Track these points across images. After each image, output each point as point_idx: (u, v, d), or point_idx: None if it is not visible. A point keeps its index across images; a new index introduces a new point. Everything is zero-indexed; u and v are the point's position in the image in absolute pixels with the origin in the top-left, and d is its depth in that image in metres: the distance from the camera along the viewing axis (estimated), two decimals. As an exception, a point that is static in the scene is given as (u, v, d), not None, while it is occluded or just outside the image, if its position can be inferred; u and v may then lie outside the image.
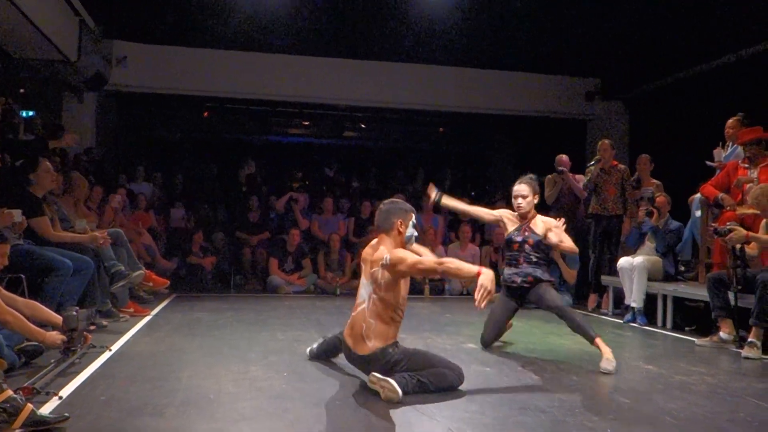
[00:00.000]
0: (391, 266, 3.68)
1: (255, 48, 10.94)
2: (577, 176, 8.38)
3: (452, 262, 3.75)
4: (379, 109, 12.55)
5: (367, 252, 3.97)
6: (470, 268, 3.68)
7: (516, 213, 5.15)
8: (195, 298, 8.21)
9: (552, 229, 5.02)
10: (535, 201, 5.11)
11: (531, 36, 10.50)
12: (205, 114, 12.68)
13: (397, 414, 3.33)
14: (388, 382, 3.51)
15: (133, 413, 3.20)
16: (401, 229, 3.86)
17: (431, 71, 11.56)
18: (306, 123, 14.09)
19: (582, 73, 11.99)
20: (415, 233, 3.97)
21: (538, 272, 4.97)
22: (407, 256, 3.70)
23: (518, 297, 5.07)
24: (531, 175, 5.25)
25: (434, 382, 3.69)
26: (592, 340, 4.49)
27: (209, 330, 5.79)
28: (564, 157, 8.45)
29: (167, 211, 10.78)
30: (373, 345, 3.72)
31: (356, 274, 9.42)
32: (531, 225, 5.08)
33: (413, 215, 3.95)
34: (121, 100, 11.72)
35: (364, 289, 3.87)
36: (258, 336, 5.52)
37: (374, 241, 3.99)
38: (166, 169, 12.34)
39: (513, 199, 5.14)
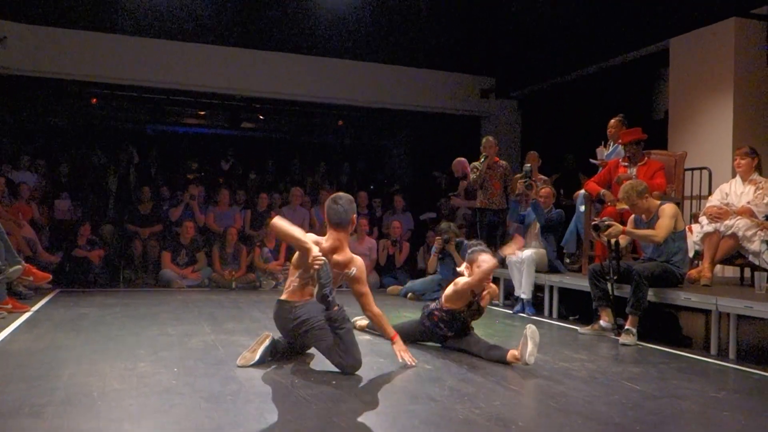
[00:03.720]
0: (352, 281, 4.42)
1: (148, 34, 10.54)
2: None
3: (382, 318, 4.44)
4: (278, 101, 12.41)
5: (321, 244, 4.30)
6: (389, 328, 4.44)
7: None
8: (81, 293, 7.86)
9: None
10: None
11: (430, 33, 10.69)
12: (94, 100, 12.09)
13: (290, 405, 3.32)
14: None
15: (8, 415, 3.03)
16: (354, 222, 4.42)
17: (330, 64, 11.54)
18: (202, 113, 13.72)
19: (478, 72, 12.31)
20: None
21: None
22: (364, 286, 4.43)
23: (438, 339, 4.93)
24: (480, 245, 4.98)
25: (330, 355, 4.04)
26: (504, 357, 4.38)
27: (95, 326, 5.56)
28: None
29: (51, 201, 10.24)
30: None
31: (252, 268, 9.32)
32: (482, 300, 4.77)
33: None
34: (1, 84, 11.00)
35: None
36: (147, 331, 5.35)
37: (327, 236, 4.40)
38: (51, 157, 11.70)
39: (478, 270, 4.64)
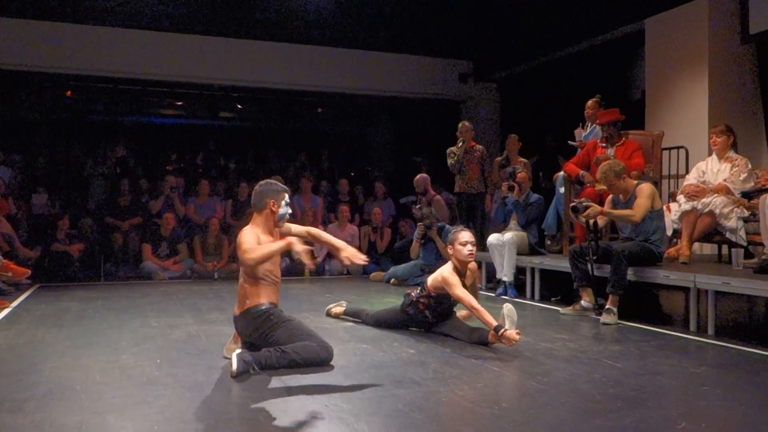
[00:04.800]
0: (237, 250, 3.96)
1: (123, 24, 10.40)
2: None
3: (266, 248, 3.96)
4: (256, 90, 12.32)
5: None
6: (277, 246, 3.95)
7: (457, 265, 4.73)
8: (61, 288, 7.79)
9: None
10: None
11: (407, 18, 10.63)
12: (68, 93, 11.93)
13: (273, 393, 3.32)
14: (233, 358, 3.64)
15: (-11, 410, 3.01)
16: (273, 209, 4.08)
17: (308, 51, 11.47)
18: (179, 103, 13.58)
19: (456, 56, 12.29)
20: (289, 211, 4.17)
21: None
22: (243, 243, 3.90)
23: (422, 325, 4.93)
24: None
25: (303, 355, 3.77)
26: (486, 338, 4.40)
27: (76, 320, 5.52)
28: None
29: (28, 196, 10.12)
30: (249, 303, 4.00)
31: (234, 258, 9.28)
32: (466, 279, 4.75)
33: (286, 195, 4.16)
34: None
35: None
36: (129, 324, 5.32)
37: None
38: (27, 151, 11.55)
39: (460, 246, 4.69)
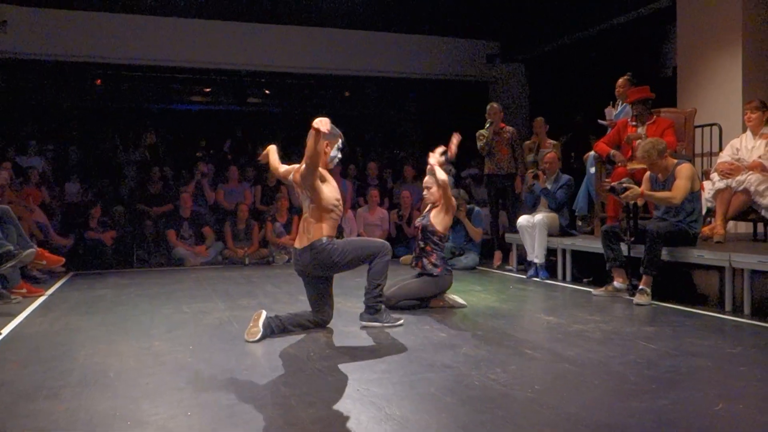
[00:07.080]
0: (298, 173, 4.35)
1: (150, 11, 10.47)
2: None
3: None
4: (283, 74, 12.33)
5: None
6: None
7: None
8: (95, 276, 7.91)
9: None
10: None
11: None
12: (98, 82, 12.06)
13: (305, 378, 3.33)
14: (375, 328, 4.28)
15: (26, 397, 3.06)
16: (327, 150, 4.36)
17: (334, 35, 11.43)
18: (207, 90, 13.65)
19: (483, 36, 12.15)
20: (339, 156, 4.50)
21: (424, 261, 5.39)
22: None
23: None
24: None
25: (382, 273, 4.41)
26: None
27: (110, 307, 5.60)
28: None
29: (61, 185, 10.27)
30: (311, 236, 4.29)
31: (265, 243, 9.33)
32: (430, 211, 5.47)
33: (340, 140, 4.44)
34: (4, 68, 10.99)
35: (304, 201, 4.43)
36: (162, 310, 5.38)
37: None
38: (58, 141, 11.71)
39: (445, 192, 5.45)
